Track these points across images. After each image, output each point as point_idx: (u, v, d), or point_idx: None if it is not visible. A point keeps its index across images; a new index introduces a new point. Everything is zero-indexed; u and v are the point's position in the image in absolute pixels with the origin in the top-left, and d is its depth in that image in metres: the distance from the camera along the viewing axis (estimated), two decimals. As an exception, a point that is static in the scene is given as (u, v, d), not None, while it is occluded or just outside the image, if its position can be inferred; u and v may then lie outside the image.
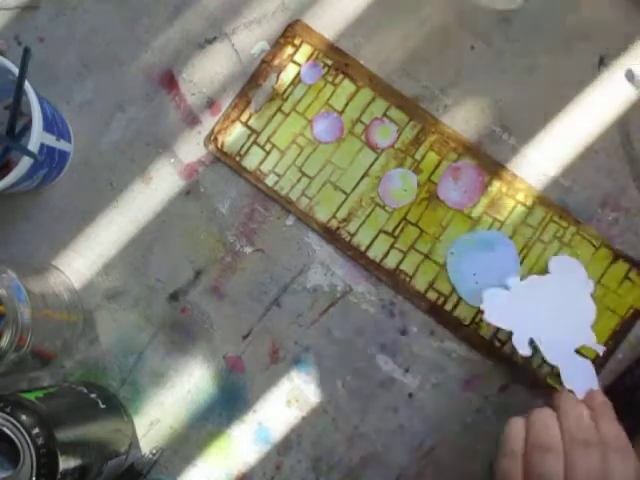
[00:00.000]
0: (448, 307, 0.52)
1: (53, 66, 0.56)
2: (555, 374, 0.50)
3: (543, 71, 0.54)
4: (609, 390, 0.50)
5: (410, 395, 0.52)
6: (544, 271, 0.51)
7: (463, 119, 0.54)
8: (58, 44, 0.56)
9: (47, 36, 0.56)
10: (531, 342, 0.50)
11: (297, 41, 0.54)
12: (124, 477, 0.51)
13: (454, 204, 0.53)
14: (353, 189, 0.53)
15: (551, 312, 0.50)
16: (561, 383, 0.48)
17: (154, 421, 0.53)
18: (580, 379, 0.48)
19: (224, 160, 0.54)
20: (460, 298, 0.52)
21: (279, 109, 0.54)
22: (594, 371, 0.49)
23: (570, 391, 0.48)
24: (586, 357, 0.50)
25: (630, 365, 0.51)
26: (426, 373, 0.52)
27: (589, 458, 0.40)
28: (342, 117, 0.54)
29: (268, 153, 0.54)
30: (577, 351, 0.50)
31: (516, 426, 0.43)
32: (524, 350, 0.50)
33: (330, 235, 0.53)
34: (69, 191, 0.55)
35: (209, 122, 0.55)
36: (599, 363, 0.51)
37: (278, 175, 0.54)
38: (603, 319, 0.51)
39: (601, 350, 0.50)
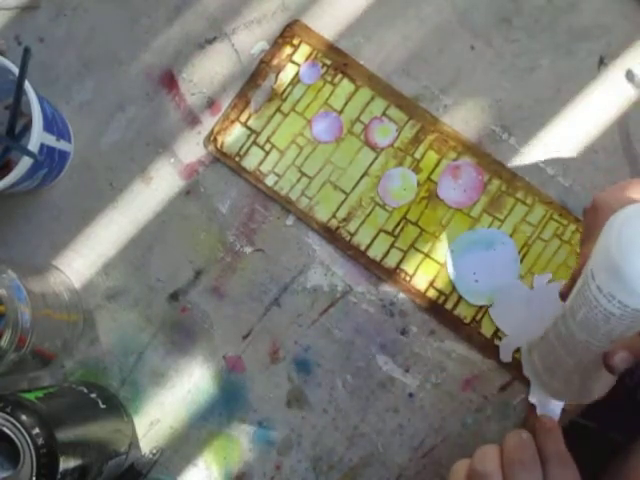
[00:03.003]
0: (448, 306, 0.52)
1: (53, 66, 0.56)
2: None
3: (543, 71, 0.54)
4: (609, 390, 0.50)
5: (410, 395, 0.52)
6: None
7: (463, 119, 0.54)
8: (58, 44, 0.56)
9: (47, 36, 0.56)
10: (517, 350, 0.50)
11: (296, 41, 0.54)
12: (124, 477, 0.51)
13: (454, 203, 0.53)
14: (353, 189, 0.53)
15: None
16: None
17: (154, 421, 0.53)
18: (547, 398, 0.48)
19: (224, 160, 0.54)
20: (460, 297, 0.52)
21: (278, 109, 0.54)
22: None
23: (533, 405, 0.48)
24: None
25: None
26: (426, 373, 0.52)
27: (526, 475, 0.41)
28: (341, 117, 0.54)
29: (268, 153, 0.54)
30: None
31: (457, 466, 0.45)
32: (506, 357, 0.50)
33: (330, 235, 0.53)
34: (69, 191, 0.55)
35: (209, 122, 0.55)
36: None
37: (278, 175, 0.54)
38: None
39: (538, 397, 0.50)
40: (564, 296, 0.43)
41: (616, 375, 0.41)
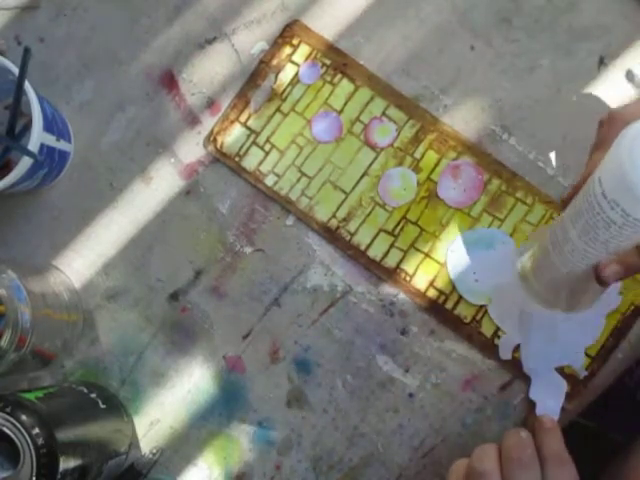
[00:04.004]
0: (449, 305, 0.52)
1: (53, 66, 0.56)
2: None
3: (543, 71, 0.54)
4: (609, 390, 0.50)
5: (410, 395, 0.52)
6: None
7: (463, 119, 0.54)
8: (58, 44, 0.56)
9: (47, 36, 0.56)
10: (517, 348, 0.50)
11: (295, 41, 0.55)
12: (124, 477, 0.51)
13: (454, 202, 0.53)
14: (353, 188, 0.53)
15: (553, 322, 0.50)
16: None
17: (154, 421, 0.53)
18: (547, 396, 0.49)
19: (223, 161, 0.54)
20: (460, 296, 0.52)
21: (278, 109, 0.54)
22: (564, 394, 0.49)
23: (533, 405, 0.49)
24: (563, 377, 0.50)
25: (630, 365, 0.51)
26: (426, 373, 0.52)
27: (525, 473, 0.42)
28: (341, 117, 0.54)
29: (267, 153, 0.54)
30: (559, 368, 0.50)
31: (456, 465, 0.45)
32: (505, 354, 0.50)
33: (330, 235, 0.53)
34: (69, 191, 0.55)
35: (209, 122, 0.55)
36: (599, 361, 0.51)
37: (278, 175, 0.54)
38: (603, 318, 0.51)
39: (582, 375, 0.50)
40: (565, 203, 0.43)
41: (605, 287, 0.41)
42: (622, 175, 0.35)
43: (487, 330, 0.52)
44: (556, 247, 0.42)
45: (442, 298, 0.52)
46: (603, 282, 0.40)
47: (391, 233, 0.53)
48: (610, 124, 0.45)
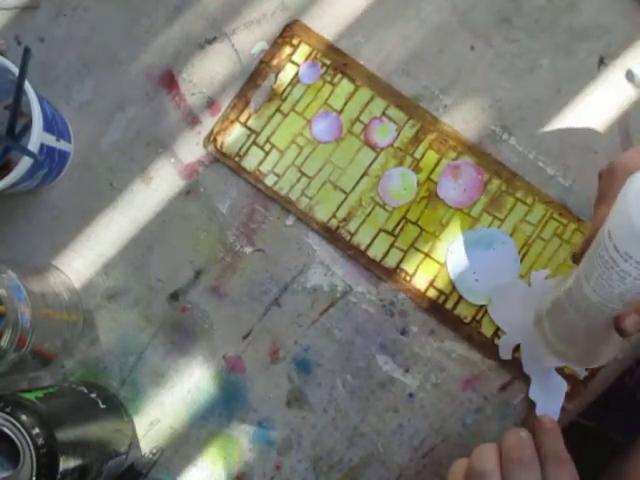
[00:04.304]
0: (449, 305, 0.52)
1: (53, 66, 0.56)
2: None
3: (543, 71, 0.54)
4: (609, 390, 0.50)
5: (410, 395, 0.52)
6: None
7: (463, 119, 0.54)
8: (58, 44, 0.56)
9: (47, 36, 0.56)
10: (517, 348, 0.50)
11: (295, 41, 0.55)
12: (124, 477, 0.51)
13: (454, 202, 0.53)
14: (353, 188, 0.53)
15: None
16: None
17: (154, 421, 0.53)
18: (547, 396, 0.49)
19: (223, 161, 0.54)
20: (460, 296, 0.52)
21: (278, 109, 0.54)
22: (564, 394, 0.49)
23: (533, 405, 0.49)
24: (563, 377, 0.50)
25: (630, 365, 0.51)
26: (426, 373, 0.52)
27: (525, 473, 0.42)
28: (341, 117, 0.54)
29: (267, 153, 0.54)
30: (559, 368, 0.50)
31: (456, 465, 0.45)
32: (505, 354, 0.50)
33: (330, 235, 0.53)
34: (69, 191, 0.55)
35: (209, 122, 0.55)
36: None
37: (278, 175, 0.54)
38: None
39: (582, 375, 0.50)
40: (577, 259, 0.43)
41: (626, 338, 0.41)
42: (631, 227, 0.34)
43: (487, 330, 0.52)
44: (573, 302, 0.42)
45: (442, 298, 0.52)
46: (623, 333, 0.40)
47: (391, 233, 0.53)
48: (612, 176, 0.44)
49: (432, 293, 0.52)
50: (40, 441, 0.41)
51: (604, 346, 0.44)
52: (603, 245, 0.37)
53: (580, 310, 0.42)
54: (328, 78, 0.54)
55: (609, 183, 0.44)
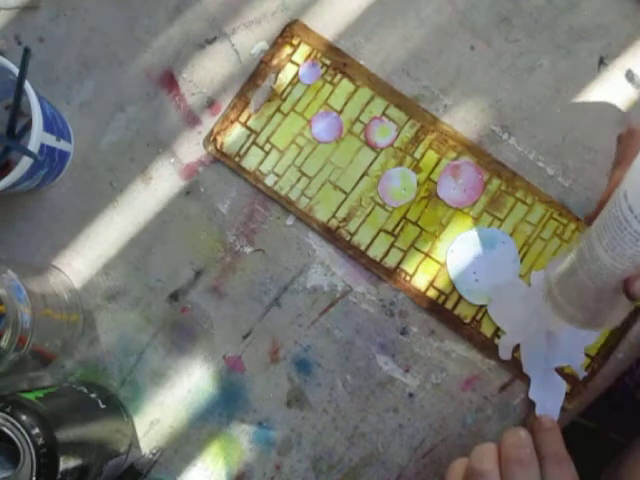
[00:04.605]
0: (449, 305, 0.52)
1: (53, 66, 0.56)
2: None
3: (543, 71, 0.54)
4: (609, 390, 0.50)
5: (410, 395, 0.52)
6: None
7: (463, 119, 0.54)
8: (58, 44, 0.56)
9: (47, 36, 0.56)
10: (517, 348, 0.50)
11: (295, 41, 0.55)
12: (124, 477, 0.51)
13: (454, 202, 0.53)
14: (353, 188, 0.53)
15: (554, 321, 0.50)
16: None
17: (154, 421, 0.53)
18: (547, 396, 0.49)
19: (224, 161, 0.54)
20: (460, 296, 0.52)
21: (278, 109, 0.54)
22: (564, 394, 0.49)
23: (533, 405, 0.49)
24: (563, 377, 0.50)
25: (630, 365, 0.51)
26: (426, 373, 0.52)
27: (524, 473, 0.42)
28: (341, 117, 0.54)
29: (267, 153, 0.54)
30: (559, 368, 0.50)
31: (455, 464, 0.45)
32: (505, 354, 0.50)
33: (330, 235, 0.53)
34: (69, 191, 0.55)
35: (209, 122, 0.55)
36: (599, 361, 0.51)
37: (278, 175, 0.54)
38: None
39: (582, 376, 0.50)
40: (590, 220, 0.43)
41: (634, 302, 0.41)
42: None
43: (487, 330, 0.52)
44: (584, 264, 0.42)
45: (442, 298, 0.52)
46: (632, 297, 0.40)
47: (391, 233, 0.53)
48: (632, 137, 0.44)
49: (432, 293, 0.52)
50: (40, 441, 0.41)
51: (611, 309, 0.43)
52: (618, 206, 0.37)
53: (591, 271, 0.41)
54: (328, 78, 0.54)
55: (628, 144, 0.44)
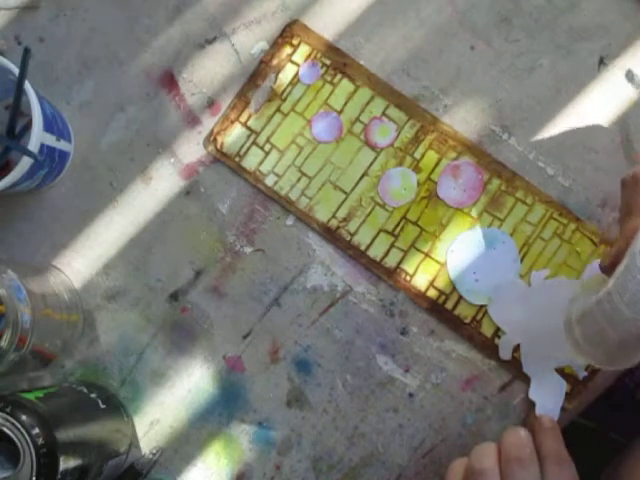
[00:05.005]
0: (449, 306, 0.52)
1: (53, 66, 0.56)
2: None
3: (543, 71, 0.54)
4: (609, 390, 0.50)
5: (410, 395, 0.52)
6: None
7: (463, 119, 0.54)
8: (58, 44, 0.56)
9: (47, 36, 0.56)
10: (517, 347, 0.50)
11: (295, 41, 0.55)
12: (124, 477, 0.51)
13: (454, 202, 0.53)
14: (353, 188, 0.53)
15: (554, 321, 0.50)
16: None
17: (154, 421, 0.53)
18: (547, 396, 0.49)
19: (224, 161, 0.54)
20: (460, 296, 0.52)
21: (278, 109, 0.54)
22: (564, 394, 0.49)
23: (533, 405, 0.49)
24: (563, 377, 0.50)
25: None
26: (426, 373, 0.52)
27: (524, 472, 0.42)
28: (341, 117, 0.54)
29: (267, 153, 0.54)
30: (559, 368, 0.50)
31: (455, 464, 0.45)
32: (505, 354, 0.50)
33: (330, 235, 0.53)
34: (69, 191, 0.55)
35: (209, 122, 0.55)
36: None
37: (278, 175, 0.54)
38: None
39: (582, 376, 0.50)
40: (607, 271, 0.43)
41: None
42: None
43: (487, 330, 0.52)
44: (606, 315, 0.42)
45: (442, 298, 0.52)
46: None
47: (391, 233, 0.53)
48: (638, 185, 0.44)
49: (432, 293, 0.52)
50: (40, 441, 0.41)
51: (636, 352, 0.44)
52: (635, 263, 0.38)
53: (613, 323, 0.42)
54: (328, 78, 0.54)
55: (634, 194, 0.44)
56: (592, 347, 0.45)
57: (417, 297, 0.52)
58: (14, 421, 0.41)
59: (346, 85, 0.54)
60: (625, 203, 0.45)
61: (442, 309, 0.52)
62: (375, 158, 0.53)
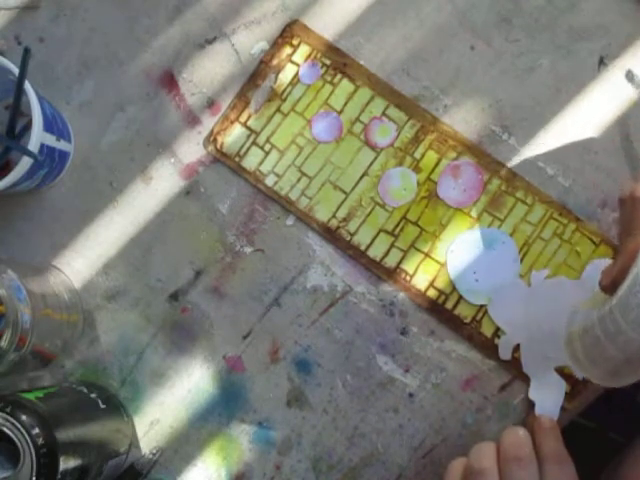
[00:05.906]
0: (448, 306, 0.52)
1: (53, 66, 0.56)
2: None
3: (543, 71, 0.54)
4: (609, 390, 0.50)
5: (410, 395, 0.52)
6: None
7: (463, 119, 0.54)
8: (58, 44, 0.56)
9: (47, 36, 0.56)
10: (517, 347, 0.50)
11: (295, 41, 0.55)
12: (124, 477, 0.51)
13: (454, 202, 0.53)
14: (353, 188, 0.53)
15: (554, 322, 0.50)
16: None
17: (154, 421, 0.53)
18: (547, 396, 0.49)
19: (224, 161, 0.54)
20: (460, 296, 0.52)
21: (278, 109, 0.54)
22: (563, 394, 0.49)
23: (533, 405, 0.49)
24: (563, 377, 0.50)
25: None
26: (426, 373, 0.52)
27: (523, 472, 0.41)
28: (341, 117, 0.54)
29: (267, 153, 0.54)
30: (558, 368, 0.50)
31: (455, 463, 0.45)
32: (505, 354, 0.50)
33: (330, 235, 0.53)
34: (69, 191, 0.55)
35: (209, 122, 0.55)
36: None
37: (278, 175, 0.54)
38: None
39: (580, 376, 0.50)
40: (608, 290, 0.43)
41: None
42: None
43: (487, 330, 0.52)
44: (609, 335, 0.42)
45: (442, 298, 0.52)
46: None
47: (391, 233, 0.53)
48: (636, 203, 0.43)
49: (432, 293, 0.52)
50: (40, 441, 0.41)
51: (637, 371, 0.44)
52: (638, 286, 0.38)
53: (616, 342, 0.42)
54: (328, 78, 0.54)
55: (632, 212, 0.43)
56: (592, 363, 0.45)
57: (417, 297, 0.52)
58: (14, 421, 0.41)
59: (346, 85, 0.54)
60: (624, 222, 0.45)
61: (442, 309, 0.52)
62: (375, 158, 0.53)
